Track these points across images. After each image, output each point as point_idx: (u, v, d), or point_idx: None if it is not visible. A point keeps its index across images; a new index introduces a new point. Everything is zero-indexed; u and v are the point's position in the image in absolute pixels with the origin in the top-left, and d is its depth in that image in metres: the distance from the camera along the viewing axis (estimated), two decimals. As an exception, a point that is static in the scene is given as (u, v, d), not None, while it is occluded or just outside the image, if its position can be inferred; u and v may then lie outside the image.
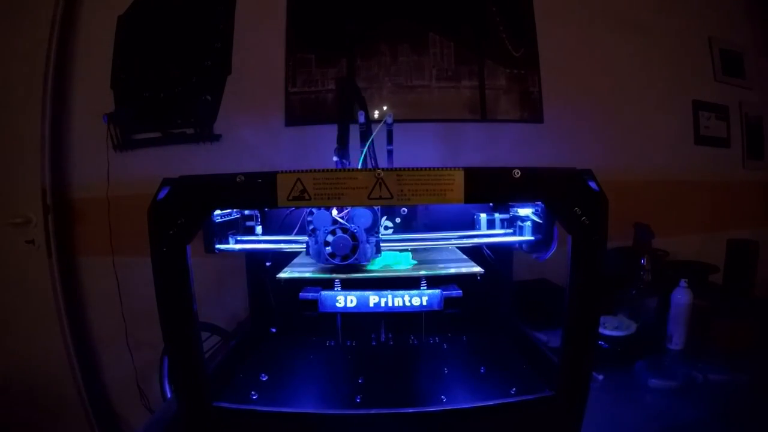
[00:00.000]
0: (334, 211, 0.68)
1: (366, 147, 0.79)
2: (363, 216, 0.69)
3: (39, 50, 1.42)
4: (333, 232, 0.66)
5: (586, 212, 0.52)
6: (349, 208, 0.68)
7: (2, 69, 1.46)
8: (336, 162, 0.75)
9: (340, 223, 0.68)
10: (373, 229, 0.70)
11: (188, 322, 0.55)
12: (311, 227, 0.69)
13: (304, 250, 0.81)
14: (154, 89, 1.48)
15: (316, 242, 0.68)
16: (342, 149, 0.74)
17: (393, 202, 0.54)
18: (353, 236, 0.66)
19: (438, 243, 0.80)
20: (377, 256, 0.71)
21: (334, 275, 0.68)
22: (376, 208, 0.70)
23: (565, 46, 1.52)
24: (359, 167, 0.76)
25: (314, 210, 0.69)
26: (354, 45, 1.47)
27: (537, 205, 0.70)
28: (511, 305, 0.98)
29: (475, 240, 0.80)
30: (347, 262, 0.67)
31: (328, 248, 0.66)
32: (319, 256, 0.68)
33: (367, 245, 0.68)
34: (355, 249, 0.66)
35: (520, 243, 0.76)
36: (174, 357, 0.57)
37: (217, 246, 0.73)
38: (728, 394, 0.88)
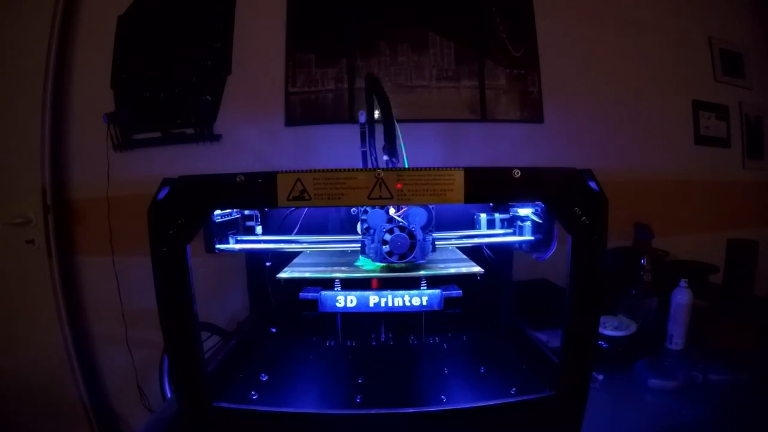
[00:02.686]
0: (392, 210, 0.68)
1: (401, 146, 0.77)
2: (418, 214, 0.69)
3: (39, 50, 1.42)
4: (390, 231, 0.66)
5: (586, 212, 0.52)
6: (405, 207, 0.67)
7: (2, 69, 1.45)
8: (387, 161, 0.74)
9: (397, 221, 0.67)
10: (428, 227, 0.69)
11: (188, 322, 0.55)
12: (365, 226, 0.69)
13: (304, 250, 0.81)
14: (154, 89, 1.48)
15: (373, 241, 0.68)
16: (391, 147, 0.73)
17: (393, 202, 0.54)
18: (411, 234, 0.66)
19: (438, 243, 0.80)
20: (432, 254, 0.71)
21: (334, 275, 0.68)
22: (430, 206, 0.69)
23: (565, 45, 1.52)
24: (406, 165, 0.74)
25: (369, 209, 0.68)
26: (354, 45, 1.47)
27: (537, 205, 0.70)
28: (511, 305, 0.98)
29: (475, 240, 0.80)
30: (406, 260, 0.67)
31: (386, 247, 0.66)
32: (376, 254, 0.67)
33: (424, 243, 0.68)
34: (413, 247, 0.66)
35: (520, 243, 0.76)
36: (174, 357, 0.56)
37: (218, 246, 0.73)
38: (728, 394, 0.88)
